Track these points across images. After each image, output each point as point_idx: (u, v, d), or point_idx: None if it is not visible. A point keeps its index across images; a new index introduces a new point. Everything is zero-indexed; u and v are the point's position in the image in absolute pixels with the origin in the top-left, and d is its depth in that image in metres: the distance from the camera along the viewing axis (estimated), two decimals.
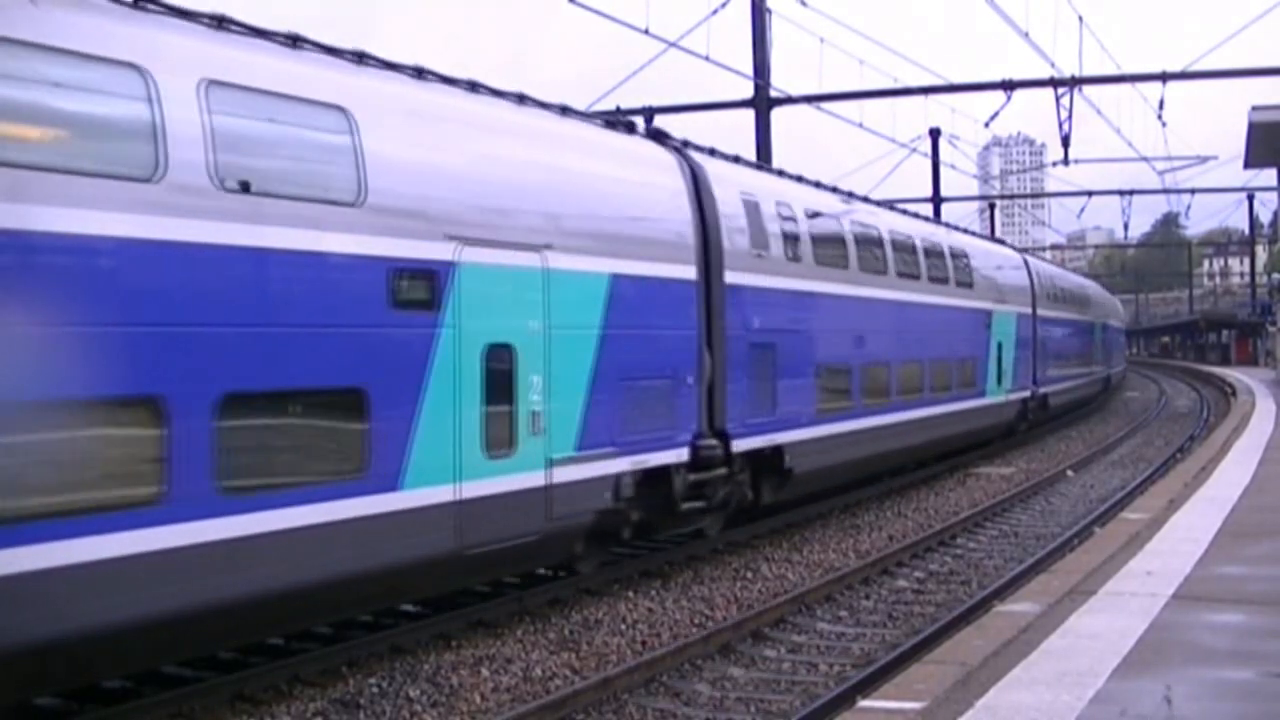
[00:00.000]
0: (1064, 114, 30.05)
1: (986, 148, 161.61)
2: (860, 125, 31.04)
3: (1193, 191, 55.85)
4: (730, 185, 15.63)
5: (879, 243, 20.64)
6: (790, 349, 16.56)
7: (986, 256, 28.62)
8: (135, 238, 8.17)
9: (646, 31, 20.97)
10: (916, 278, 22.25)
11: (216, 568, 8.49)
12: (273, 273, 9.10)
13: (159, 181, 8.33)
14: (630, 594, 13.33)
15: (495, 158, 11.56)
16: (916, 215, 25.35)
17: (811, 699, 9.59)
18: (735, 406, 14.91)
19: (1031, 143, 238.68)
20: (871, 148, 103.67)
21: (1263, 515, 13.03)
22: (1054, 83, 29.41)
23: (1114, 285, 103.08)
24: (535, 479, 11.49)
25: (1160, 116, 31.54)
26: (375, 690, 9.78)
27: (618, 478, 12.73)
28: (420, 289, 10.36)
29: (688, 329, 14.21)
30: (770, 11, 26.97)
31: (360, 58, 10.66)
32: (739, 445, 14.99)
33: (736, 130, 31.04)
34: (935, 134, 45.26)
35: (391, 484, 9.91)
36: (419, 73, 11.34)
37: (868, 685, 9.28)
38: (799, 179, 19.03)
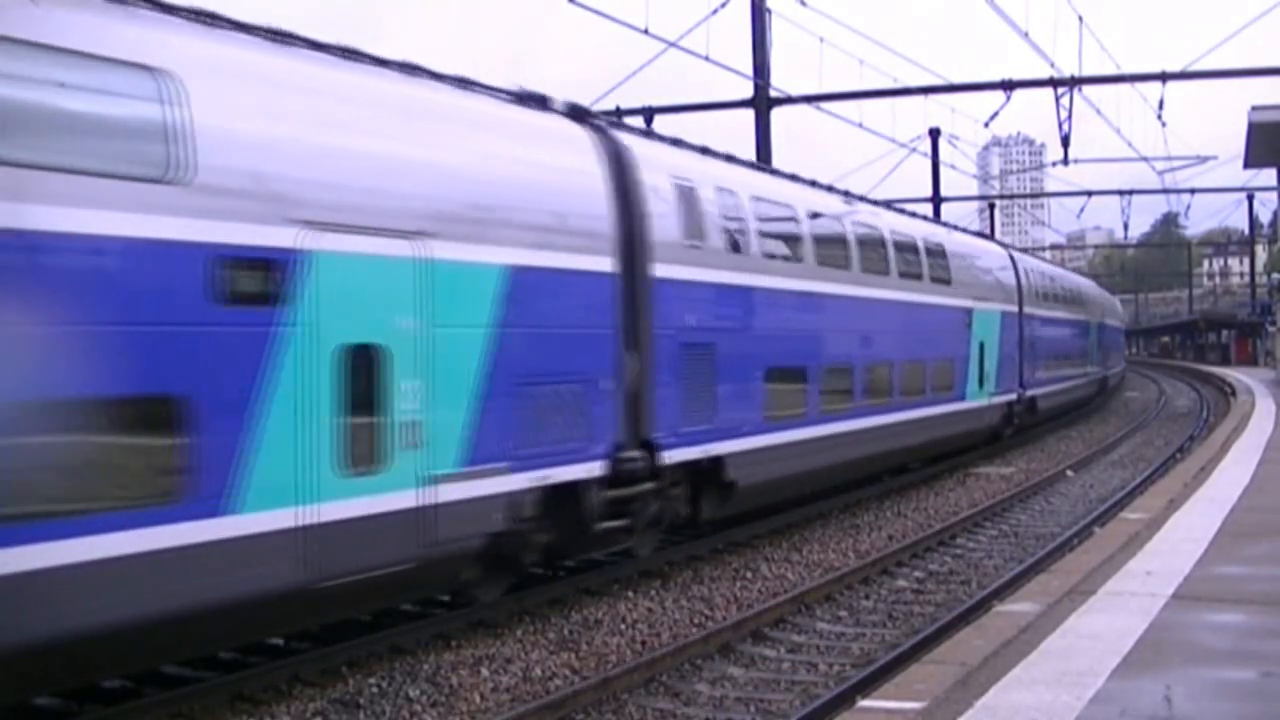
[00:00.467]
0: (1064, 114, 30.13)
1: (986, 148, 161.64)
2: (860, 125, 31.14)
3: (1192, 191, 55.97)
4: (660, 169, 14.11)
5: (840, 236, 19.16)
6: (733, 350, 15.03)
7: (967, 251, 26.95)
8: None
9: (646, 31, 21.01)
10: (885, 273, 20.67)
11: None
12: (47, 260, 7.68)
13: None
14: (630, 594, 13.33)
15: (365, 132, 10.15)
16: (890, 207, 23.64)
17: (811, 699, 9.59)
18: (665, 414, 13.50)
19: (1031, 143, 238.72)
20: (871, 148, 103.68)
21: (1263, 515, 13.03)
22: (1054, 83, 29.44)
23: (1114, 285, 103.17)
24: (409, 499, 10.03)
25: (1160, 116, 31.62)
26: (375, 690, 9.79)
27: (515, 496, 11.23)
28: (255, 281, 8.90)
29: (604, 327, 12.68)
30: (770, 11, 27.00)
31: (201, 16, 9.27)
32: (669, 456, 13.54)
33: (736, 130, 31.09)
34: (935, 134, 45.28)
35: (213, 508, 8.46)
36: (278, 36, 9.99)
37: (868, 685, 9.28)
38: (754, 166, 17.41)
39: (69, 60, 7.97)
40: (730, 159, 17.00)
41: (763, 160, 26.26)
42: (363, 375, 9.63)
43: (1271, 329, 57.95)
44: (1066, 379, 37.34)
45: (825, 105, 29.71)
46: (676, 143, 15.65)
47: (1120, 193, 56.20)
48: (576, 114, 13.59)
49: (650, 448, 13.26)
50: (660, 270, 13.56)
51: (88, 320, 7.87)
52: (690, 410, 14.04)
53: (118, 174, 8.10)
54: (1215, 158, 49.25)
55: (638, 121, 26.61)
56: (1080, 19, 29.50)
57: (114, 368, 7.97)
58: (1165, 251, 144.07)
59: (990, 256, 29.23)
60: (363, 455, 9.63)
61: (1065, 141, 31.27)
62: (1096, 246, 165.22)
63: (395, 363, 9.91)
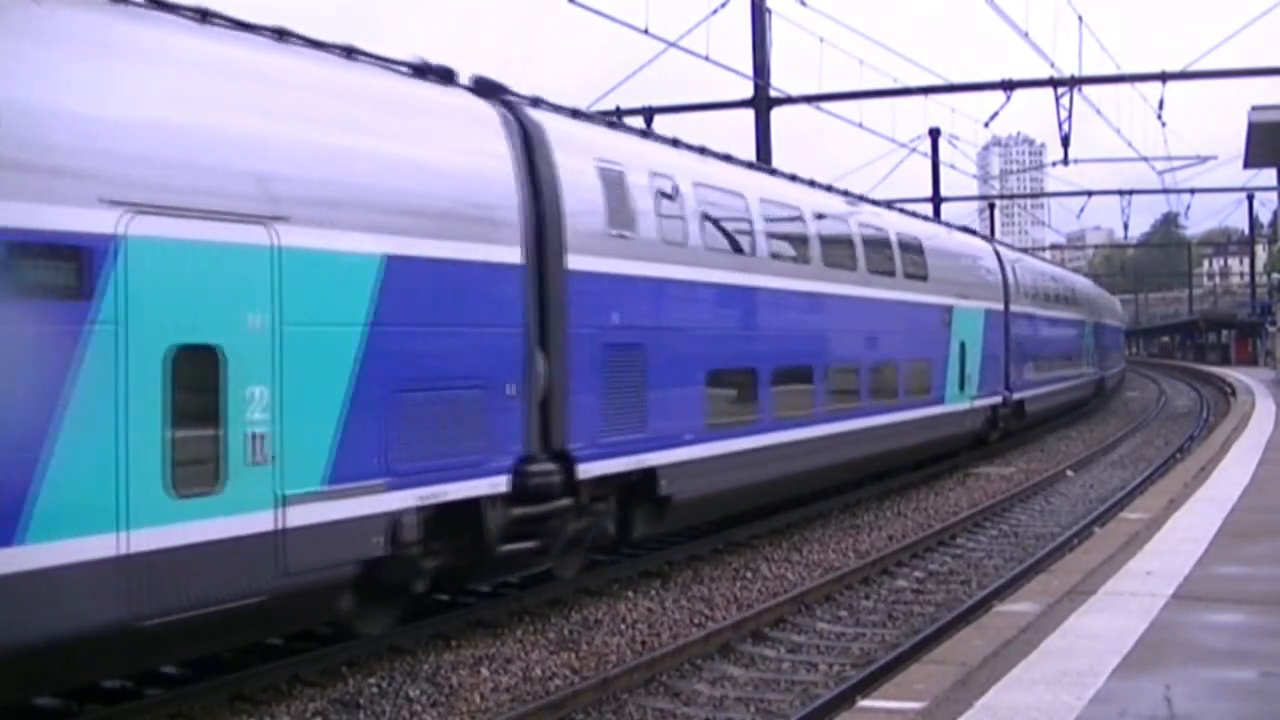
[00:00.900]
0: (1064, 114, 30.13)
1: (986, 148, 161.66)
2: (860, 125, 31.13)
3: (1192, 191, 56.00)
4: (582, 151, 12.82)
5: (799, 227, 17.73)
6: (669, 351, 13.68)
7: (946, 246, 25.35)
8: None
9: (646, 31, 21.00)
10: (852, 268, 19.25)
11: None
12: None
13: None
14: (630, 594, 13.33)
15: (209, 104, 8.93)
16: (862, 199, 21.86)
17: (811, 699, 9.59)
18: (584, 422, 12.19)
19: (1031, 143, 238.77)
20: (871, 148, 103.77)
21: (1262, 515, 13.03)
22: (1054, 83, 29.45)
23: (1114, 285, 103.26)
24: (258, 522, 8.73)
25: (1160, 116, 31.62)
26: (375, 690, 9.79)
27: (397, 516, 9.94)
28: (57, 271, 7.74)
29: (508, 326, 11.33)
30: (770, 11, 27.00)
31: None
32: (589, 469, 12.18)
33: (736, 130, 31.10)
34: (935, 134, 45.32)
35: (5, 536, 7.33)
36: None
37: (867, 685, 9.28)
38: (700, 151, 16.16)
39: None
40: (675, 144, 15.66)
41: (763, 160, 26.25)
42: (198, 381, 8.42)
43: (1271, 329, 57.96)
44: (1058, 381, 35.84)
45: (825, 105, 29.73)
46: (611, 123, 14.18)
47: (1120, 193, 56.24)
48: (485, 89, 12.21)
49: (566, 460, 11.90)
50: (579, 262, 12.25)
51: None
52: (616, 418, 12.73)
53: None
54: (1215, 158, 49.32)
55: (638, 122, 26.62)
56: (1080, 19, 29.54)
57: None
58: (1165, 251, 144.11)
59: (973, 252, 27.84)
60: (199, 473, 8.41)
61: (1065, 141, 31.28)
62: (1096, 246, 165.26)
63: (239, 366, 8.65)
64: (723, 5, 25.31)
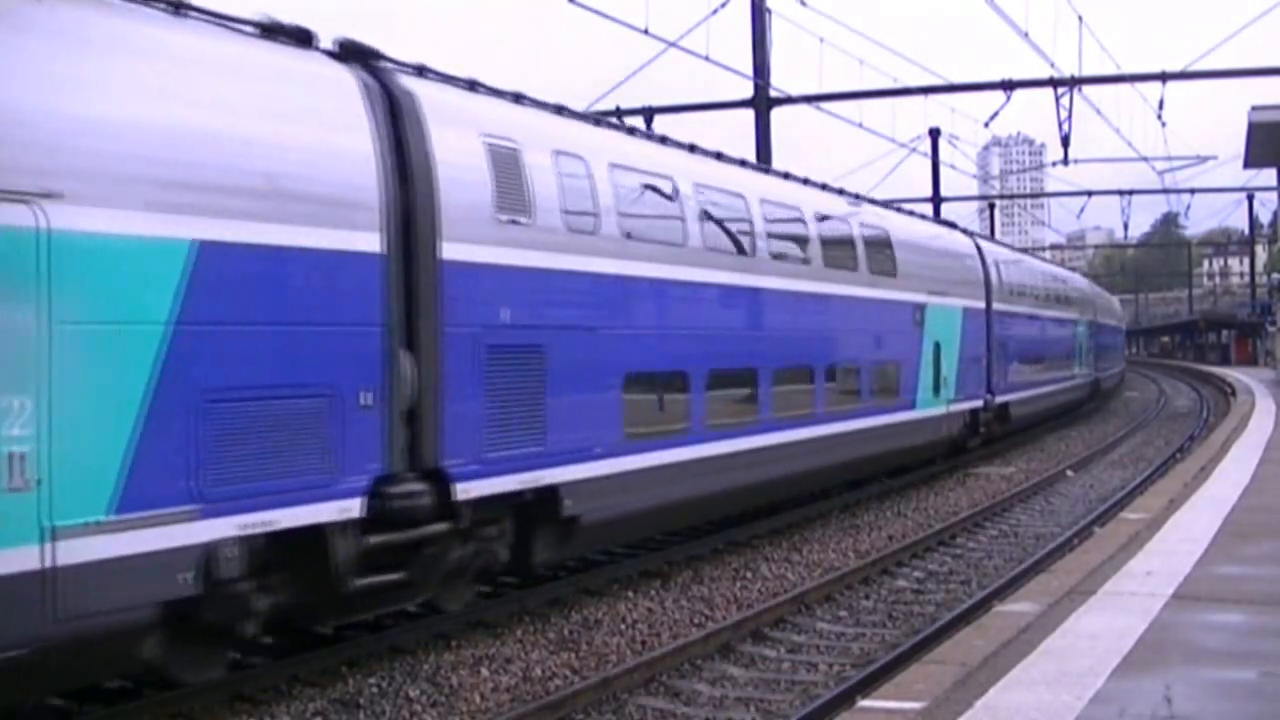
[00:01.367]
0: (1064, 114, 30.16)
1: (986, 148, 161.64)
2: (860, 125, 31.16)
3: (1192, 191, 56.09)
4: (464, 125, 11.29)
5: (741, 215, 16.03)
6: (575, 352, 12.16)
7: (918, 239, 23.54)
8: None
9: (646, 31, 21.02)
10: (805, 261, 17.74)
11: None
12: None
13: None
14: (630, 594, 13.33)
15: None
16: (826, 188, 20.23)
17: (811, 699, 9.59)
18: (462, 435, 10.63)
19: (1031, 143, 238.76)
20: (871, 148, 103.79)
21: (1262, 515, 13.04)
22: (1054, 83, 29.47)
23: (1114, 285, 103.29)
24: (16, 560, 7.31)
25: (1160, 116, 31.64)
26: (375, 690, 9.79)
27: (209, 549, 8.46)
28: None
29: (362, 324, 9.75)
30: (770, 11, 27.03)
31: None
32: (469, 489, 10.65)
33: (737, 130, 31.13)
34: (935, 134, 45.36)
35: None
36: None
37: (868, 685, 9.28)
38: (621, 129, 14.68)
39: None
40: (599, 123, 14.13)
41: (763, 160, 26.25)
42: None
43: (1271, 329, 58.00)
44: (1048, 383, 34.14)
45: (825, 105, 29.77)
46: (519, 98, 12.67)
47: (1120, 193, 56.28)
48: (350, 54, 10.66)
49: (440, 479, 10.42)
50: (456, 251, 10.70)
51: None
52: (506, 429, 11.17)
53: None
54: (1215, 158, 49.42)
55: (637, 122, 26.63)
56: (1080, 19, 29.56)
57: None
58: (1165, 251, 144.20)
59: (950, 247, 26.05)
60: None
61: (1065, 141, 31.30)
62: (1096, 246, 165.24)
63: None
64: (723, 5, 25.34)
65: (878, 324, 20.29)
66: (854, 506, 19.87)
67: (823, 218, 18.65)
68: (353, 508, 9.60)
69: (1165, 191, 55.72)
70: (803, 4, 24.73)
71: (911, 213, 25.44)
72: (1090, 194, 55.61)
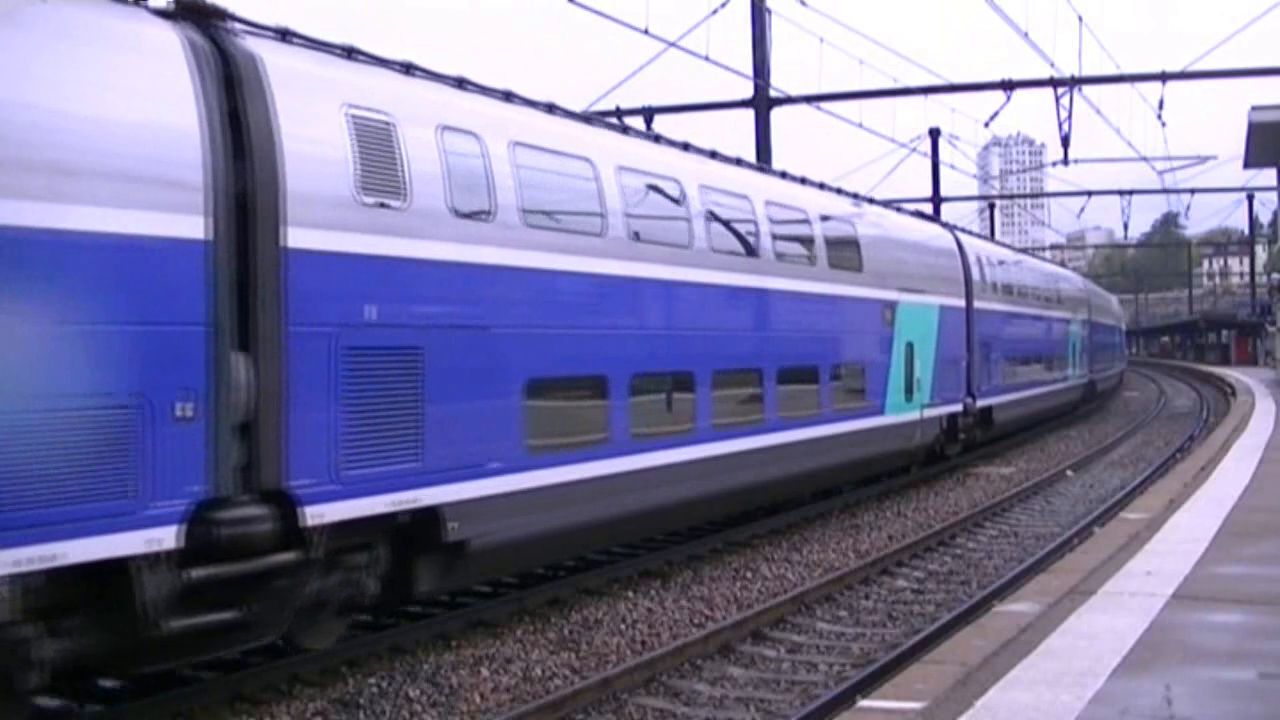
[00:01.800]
0: (1064, 114, 30.13)
1: (986, 148, 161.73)
2: (860, 125, 31.18)
3: (1192, 191, 56.04)
4: (321, 94, 9.85)
5: (672, 202, 14.47)
6: (462, 355, 10.78)
7: (888, 232, 21.85)
8: None
9: (646, 31, 21.01)
10: (753, 254, 16.13)
11: None
12: None
13: None
14: (630, 594, 13.33)
15: None
16: (785, 175, 18.78)
17: (811, 699, 9.59)
18: (314, 450, 9.24)
19: (1031, 143, 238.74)
20: (871, 148, 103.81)
21: (1263, 515, 13.03)
22: (1054, 83, 29.47)
23: (1114, 285, 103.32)
24: None
25: (1160, 116, 31.63)
26: (375, 690, 9.79)
27: None
28: None
29: (178, 322, 8.40)
30: (770, 11, 27.02)
31: None
32: (323, 513, 9.24)
33: (737, 130, 31.14)
34: (935, 134, 45.35)
35: None
36: None
37: (868, 685, 9.28)
38: (552, 109, 13.17)
39: None
40: (510, 97, 12.60)
41: (763, 161, 26.25)
42: None
43: (1271, 329, 57.98)
44: (1036, 385, 32.46)
45: (825, 105, 29.75)
46: (409, 69, 11.31)
47: (1120, 193, 56.27)
48: (182, 12, 9.22)
49: (287, 502, 9.03)
50: (305, 239, 9.30)
51: None
52: (373, 444, 9.76)
53: None
54: (1215, 158, 49.44)
55: (637, 122, 26.63)
56: (1080, 19, 29.57)
57: None
58: (1165, 251, 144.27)
59: (926, 240, 24.36)
60: None
61: (1065, 141, 31.30)
62: (1096, 246, 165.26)
63: None
64: (723, 5, 25.34)
65: (840, 323, 18.79)
66: (854, 506, 19.87)
67: (774, 205, 17.01)
68: (164, 537, 8.17)
69: (1165, 191, 55.74)
70: (803, 4, 24.73)
71: (892, 205, 24.02)
72: (1090, 194, 55.63)
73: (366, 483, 9.70)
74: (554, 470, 11.83)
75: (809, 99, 29.04)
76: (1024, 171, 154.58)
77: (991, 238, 45.41)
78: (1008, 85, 29.20)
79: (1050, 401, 34.86)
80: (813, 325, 17.78)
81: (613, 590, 13.42)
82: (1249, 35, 31.85)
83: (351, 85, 10.24)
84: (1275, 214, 73.57)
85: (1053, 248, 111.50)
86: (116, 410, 7.93)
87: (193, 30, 9.04)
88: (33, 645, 7.65)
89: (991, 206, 64.66)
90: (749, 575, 14.51)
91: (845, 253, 19.14)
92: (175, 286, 8.43)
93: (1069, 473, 25.04)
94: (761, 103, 27.82)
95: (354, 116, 9.99)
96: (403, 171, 10.30)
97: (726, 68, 24.75)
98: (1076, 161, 61.92)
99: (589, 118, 14.23)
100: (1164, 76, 28.83)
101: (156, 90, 8.53)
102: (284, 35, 10.02)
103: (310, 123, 9.60)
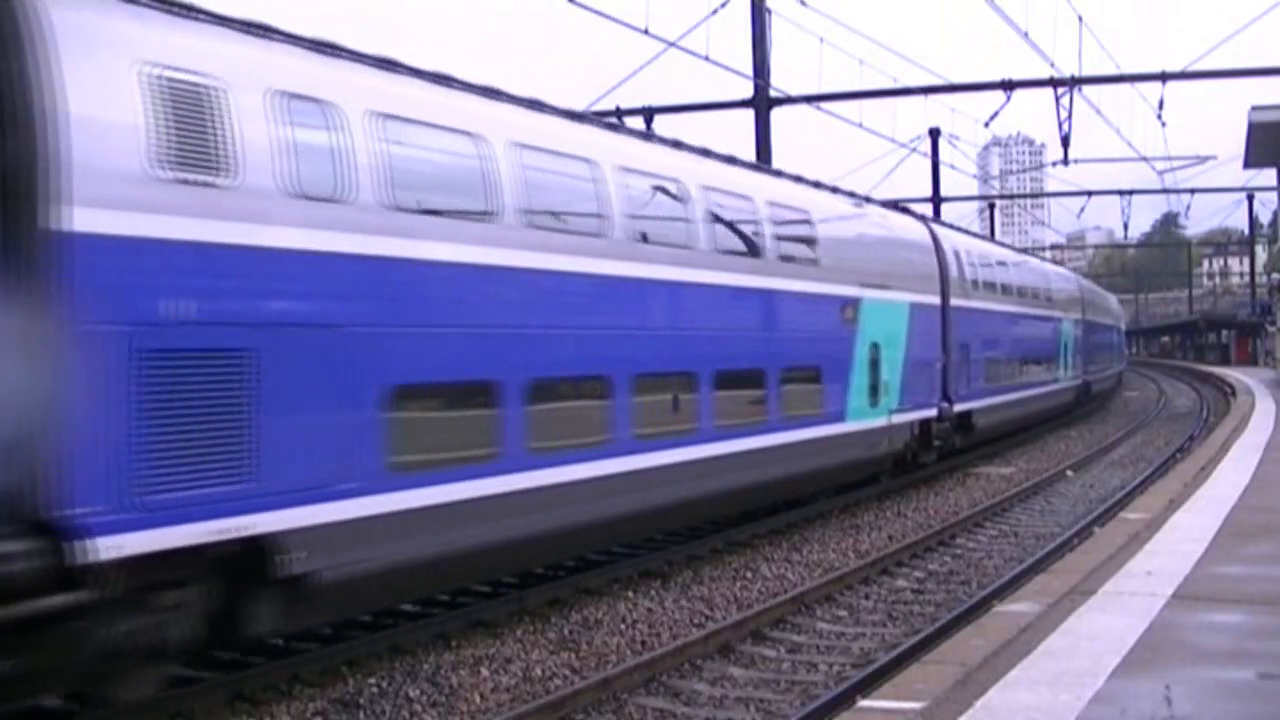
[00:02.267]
0: (1064, 114, 30.14)
1: (986, 148, 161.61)
2: (860, 125, 31.18)
3: (1192, 191, 56.07)
4: (113, 50, 8.33)
5: (586, 185, 12.81)
6: (305, 358, 9.25)
7: (849, 223, 20.26)
8: None
9: (646, 32, 21.01)
10: (687, 245, 14.50)
11: None
12: None
13: None
14: (630, 594, 13.33)
15: None
16: (734, 160, 17.22)
17: (811, 699, 9.59)
18: (107, 471, 7.87)
19: (1031, 143, 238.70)
20: (871, 148, 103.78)
21: (1263, 515, 13.03)
22: (1054, 83, 29.47)
23: (1114, 285, 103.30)
24: None
25: (1160, 116, 31.63)
26: (375, 690, 9.79)
27: None
28: None
29: None
30: (770, 11, 27.02)
31: None
32: (116, 545, 7.81)
33: (737, 130, 31.14)
34: (935, 134, 45.37)
35: None
36: None
37: (868, 685, 9.28)
38: (443, 81, 11.61)
39: None
40: (394, 65, 11.01)
41: (762, 160, 26.25)
42: None
43: (1271, 329, 57.96)
44: (1023, 388, 30.55)
45: (825, 105, 29.75)
46: (265, 31, 9.82)
47: (1120, 193, 56.29)
48: None
49: (54, 533, 7.58)
50: (86, 220, 7.89)
51: None
52: (185, 462, 8.31)
53: None
54: (1215, 158, 49.46)
55: (637, 122, 26.63)
56: (1080, 19, 29.57)
57: None
58: (1165, 251, 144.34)
59: (895, 232, 22.59)
60: None
61: (1065, 141, 31.30)
62: (1096, 246, 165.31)
63: None
64: (723, 5, 25.34)
65: (792, 322, 17.14)
66: (854, 507, 19.87)
67: (713, 190, 15.37)
68: None
69: (1165, 191, 55.77)
70: (803, 4, 24.73)
71: (867, 196, 22.11)
72: (1090, 194, 55.63)
73: (178, 509, 8.23)
74: (425, 491, 10.26)
75: (809, 99, 29.04)
76: (1024, 171, 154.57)
77: (991, 237, 45.38)
78: (1008, 85, 29.21)
79: (1039, 405, 33.09)
80: (758, 324, 16.22)
81: (613, 590, 13.42)
82: (1249, 35, 31.93)
83: (153, 42, 8.64)
84: (1275, 214, 73.59)
85: (1053, 248, 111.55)
86: None
87: None
88: None
89: (991, 206, 64.68)
90: (749, 575, 14.51)
91: (798, 244, 17.66)
92: None
93: (1069, 473, 25.04)
94: (761, 103, 27.81)
95: (152, 75, 8.43)
96: (227, 144, 8.81)
97: (726, 68, 24.76)
98: (1076, 161, 62.00)
99: (490, 90, 12.16)
100: (1164, 76, 28.83)
101: None
102: None
103: (96, 84, 8.14)
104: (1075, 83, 29.68)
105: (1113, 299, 65.63)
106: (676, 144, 15.85)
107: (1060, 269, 47.33)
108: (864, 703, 7.15)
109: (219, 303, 8.66)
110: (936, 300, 23.54)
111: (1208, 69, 29.20)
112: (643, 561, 14.59)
